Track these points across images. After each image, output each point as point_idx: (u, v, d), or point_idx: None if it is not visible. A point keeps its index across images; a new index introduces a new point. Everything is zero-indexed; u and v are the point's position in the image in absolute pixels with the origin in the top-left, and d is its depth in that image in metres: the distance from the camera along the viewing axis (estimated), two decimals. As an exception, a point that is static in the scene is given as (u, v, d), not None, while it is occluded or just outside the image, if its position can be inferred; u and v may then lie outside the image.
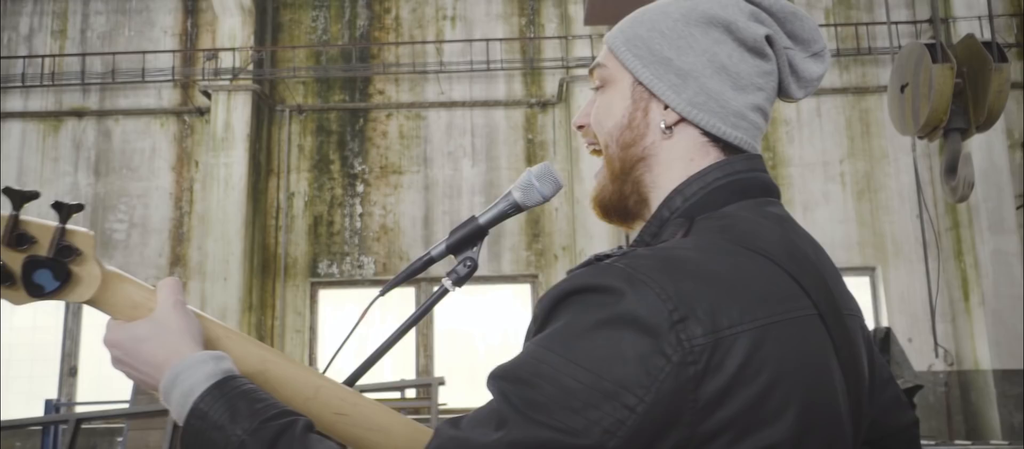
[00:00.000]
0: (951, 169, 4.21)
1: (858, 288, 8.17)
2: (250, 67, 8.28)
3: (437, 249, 1.00)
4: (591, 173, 7.08)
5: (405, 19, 8.77)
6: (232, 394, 0.78)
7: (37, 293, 0.83)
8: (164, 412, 7.21)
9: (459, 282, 0.99)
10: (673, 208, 0.83)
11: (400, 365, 8.18)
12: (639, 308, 0.68)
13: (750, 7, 0.86)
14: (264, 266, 8.30)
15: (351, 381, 0.97)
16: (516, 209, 0.98)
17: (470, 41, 8.53)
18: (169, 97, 8.67)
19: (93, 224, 8.38)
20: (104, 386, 8.09)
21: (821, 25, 8.31)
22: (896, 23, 8.19)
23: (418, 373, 8.16)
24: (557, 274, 8.16)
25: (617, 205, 0.90)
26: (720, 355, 0.67)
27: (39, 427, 7.48)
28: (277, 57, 8.73)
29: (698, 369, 0.66)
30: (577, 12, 8.25)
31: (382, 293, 1.02)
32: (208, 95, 8.30)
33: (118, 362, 0.86)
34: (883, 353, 3.89)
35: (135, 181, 8.51)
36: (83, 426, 7.47)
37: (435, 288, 1.02)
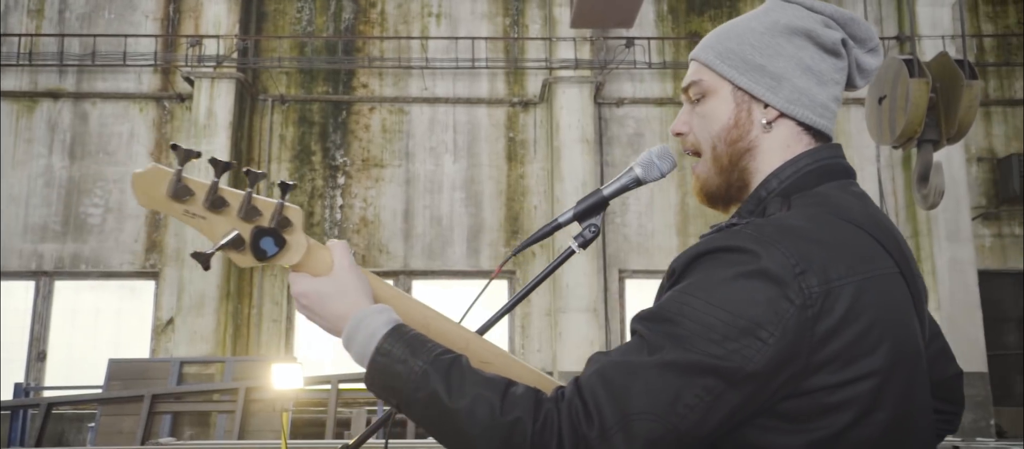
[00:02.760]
0: (923, 178, 4.49)
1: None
2: (234, 55, 8.26)
3: (565, 216, 1.14)
4: (569, 174, 7.26)
5: (390, 14, 8.85)
6: (407, 336, 0.92)
7: (261, 257, 0.97)
8: (138, 398, 7.18)
9: (585, 245, 1.13)
10: (769, 189, 0.99)
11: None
12: (769, 263, 0.84)
13: (821, 17, 1.03)
14: (243, 255, 8.29)
15: (481, 332, 1.11)
16: (636, 183, 1.13)
17: (455, 38, 8.65)
18: (149, 82, 8.60)
19: (66, 208, 8.27)
20: (74, 371, 7.99)
21: (794, 38, 8.64)
22: (865, 39, 8.56)
23: (395, 365, 8.24)
24: (536, 270, 8.33)
25: (723, 193, 1.06)
26: (831, 301, 0.84)
27: (7, 411, 7.36)
28: (261, 46, 8.73)
29: (814, 311, 0.83)
30: (561, 14, 8.43)
31: (513, 254, 1.16)
32: (190, 82, 8.26)
33: (303, 309, 1.00)
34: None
35: (111, 165, 8.41)
36: (54, 411, 7.40)
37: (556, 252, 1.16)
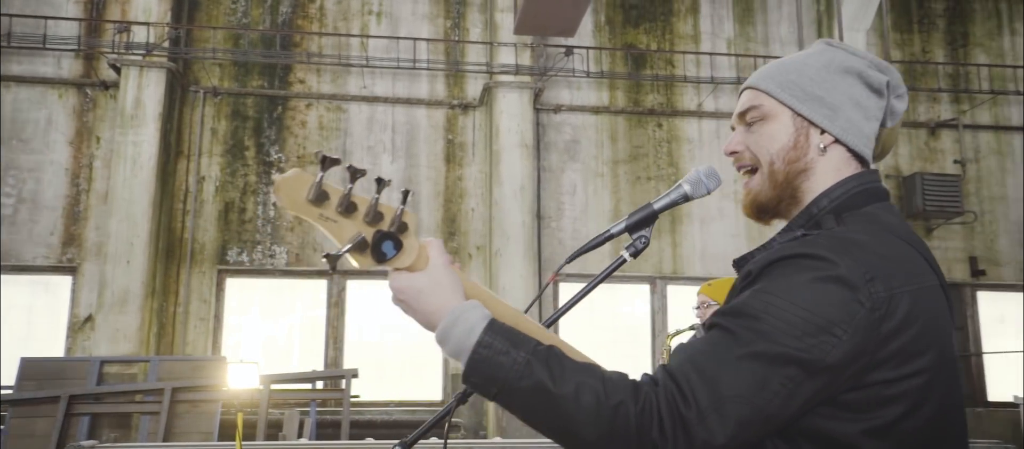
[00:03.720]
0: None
1: (745, 297, 8.94)
2: (165, 44, 7.98)
3: (617, 227, 1.23)
4: (508, 178, 7.37)
5: (330, 10, 8.74)
6: (504, 330, 1.00)
7: (381, 259, 1.04)
8: (54, 399, 6.83)
9: (636, 254, 1.23)
10: (820, 207, 1.12)
11: (309, 357, 8.14)
12: (844, 270, 0.96)
13: (866, 60, 1.17)
14: (169, 251, 8.01)
15: (547, 325, 1.19)
16: (685, 199, 1.24)
17: (396, 38, 8.62)
18: (70, 67, 8.19)
19: (-25, 196, 7.77)
20: (-19, 371, 7.52)
21: (722, 55, 9.04)
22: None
23: (327, 365, 8.14)
24: (472, 272, 8.40)
25: (773, 206, 1.18)
26: (893, 306, 0.97)
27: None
28: (194, 36, 8.45)
29: (880, 314, 0.96)
30: (503, 20, 8.54)
31: (568, 261, 1.24)
32: (117, 69, 7.92)
33: (399, 302, 1.08)
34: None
35: (26, 154, 7.97)
36: (-41, 413, 6.93)
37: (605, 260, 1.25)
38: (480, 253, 8.45)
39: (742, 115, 1.21)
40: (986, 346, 8.81)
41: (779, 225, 1.21)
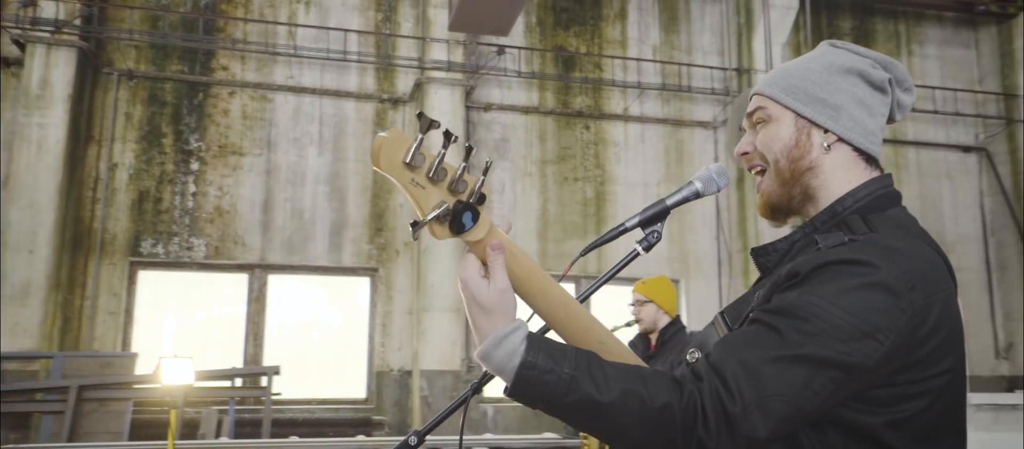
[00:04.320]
0: (774, 198, 5.08)
1: (665, 297, 9.23)
2: (77, 21, 7.52)
3: (631, 222, 1.26)
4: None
5: (256, -4, 8.46)
6: (544, 346, 1.03)
7: (459, 230, 1.02)
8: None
9: (648, 248, 1.26)
10: (845, 206, 1.17)
11: (227, 354, 7.85)
12: (888, 277, 1.01)
13: (869, 59, 1.24)
14: (77, 241, 7.56)
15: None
16: (696, 196, 1.28)
17: (325, 28, 8.44)
18: (-33, 41, 7.60)
19: None
20: None
21: (648, 61, 9.30)
22: (711, 67, 9.41)
23: (246, 362, 7.89)
24: (399, 269, 8.32)
25: (786, 205, 1.23)
26: (927, 312, 1.02)
27: None
28: (108, 15, 8.01)
29: (918, 321, 1.01)
30: (435, 15, 8.50)
31: (582, 254, 1.26)
32: (21, 45, 7.41)
33: (464, 293, 1.08)
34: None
35: (-86, 132, 7.35)
36: None
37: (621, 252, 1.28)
38: (408, 249, 8.38)
39: (749, 116, 1.27)
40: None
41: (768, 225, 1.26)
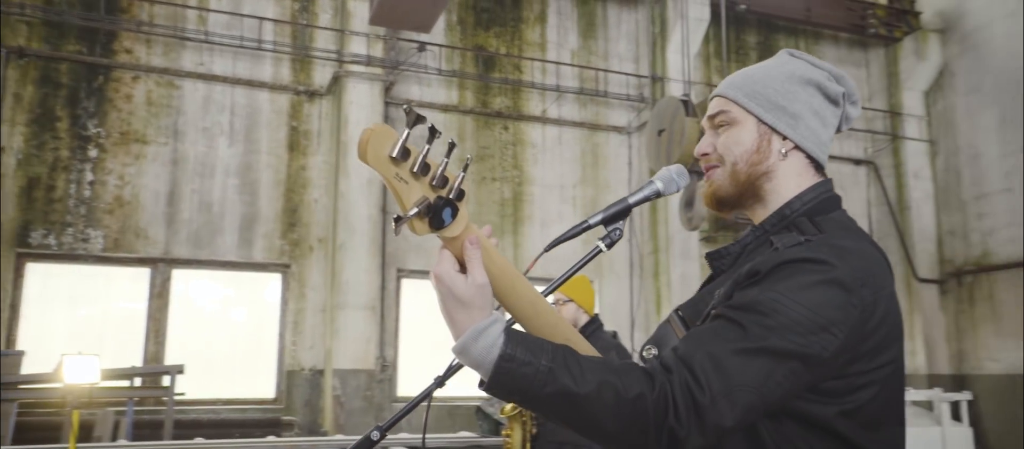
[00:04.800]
0: (689, 203, 5.29)
1: (579, 297, 9.41)
2: (-39, -8, 6.96)
3: (595, 219, 1.28)
4: (355, 171, 7.26)
5: (164, -23, 8.06)
6: (522, 339, 1.04)
7: (438, 226, 1.01)
8: None
9: (611, 245, 1.29)
10: (793, 209, 1.23)
11: (124, 352, 7.44)
12: (842, 275, 1.07)
13: (825, 72, 1.31)
14: (-44, 230, 6.98)
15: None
16: (657, 195, 1.32)
17: (239, 15, 8.14)
18: None
19: None
20: None
21: (567, 64, 9.46)
22: (627, 74, 9.66)
23: (146, 361, 7.50)
24: (312, 265, 8.12)
25: (734, 201, 1.28)
26: (875, 306, 1.09)
27: None
28: (-2, -13, 7.44)
29: (867, 314, 1.08)
30: (355, 8, 8.35)
31: (546, 250, 1.28)
32: None
33: (437, 290, 1.06)
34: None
35: None
36: None
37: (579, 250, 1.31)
38: (322, 245, 8.19)
39: (711, 119, 1.32)
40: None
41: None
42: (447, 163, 1.03)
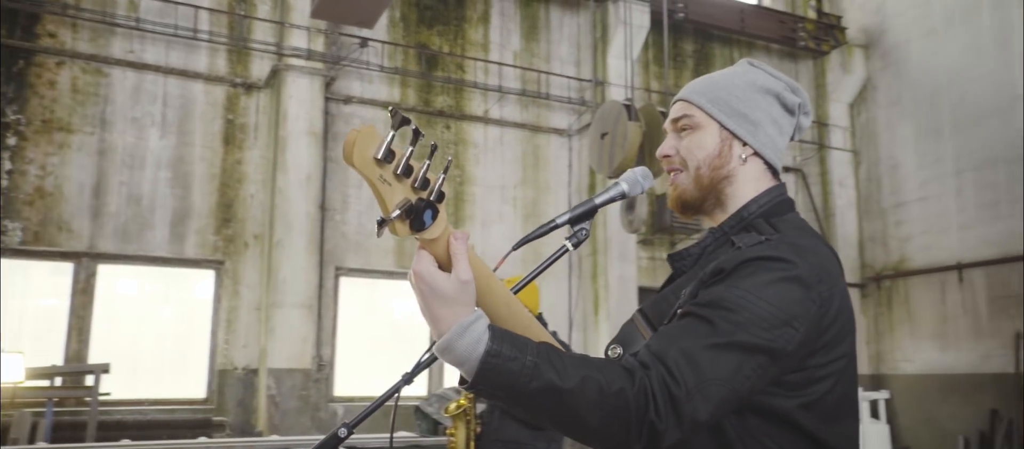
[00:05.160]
0: (630, 207, 5.40)
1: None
2: None
3: (562, 219, 1.30)
4: (294, 166, 7.13)
5: (93, -41, 7.73)
6: (505, 336, 1.04)
7: (419, 228, 1.00)
8: None
9: (577, 245, 1.31)
10: (751, 211, 1.28)
11: (44, 350, 7.11)
12: (802, 272, 1.12)
13: (783, 83, 1.37)
14: None
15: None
16: (622, 196, 1.34)
17: (173, 2, 7.87)
18: None
19: None
20: None
21: (509, 66, 9.50)
22: (569, 77, 9.77)
23: (68, 359, 7.18)
24: (248, 262, 7.93)
25: (697, 204, 1.33)
26: (830, 302, 1.15)
27: None
28: (-91, -38, 6.99)
29: (824, 309, 1.13)
30: (296, 1, 8.19)
31: (514, 249, 1.29)
32: None
33: (418, 291, 1.05)
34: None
35: None
36: None
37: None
38: (258, 242, 8.00)
39: (675, 122, 1.36)
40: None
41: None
42: (429, 165, 1.03)
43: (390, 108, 1.00)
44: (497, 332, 1.04)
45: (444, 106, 9.17)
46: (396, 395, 1.25)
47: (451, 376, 8.61)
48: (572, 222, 1.32)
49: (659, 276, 10.01)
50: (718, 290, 1.13)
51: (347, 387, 8.15)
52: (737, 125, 1.32)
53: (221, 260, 7.87)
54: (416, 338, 8.69)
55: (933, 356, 9.74)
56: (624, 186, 1.35)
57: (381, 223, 1.00)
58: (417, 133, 1.00)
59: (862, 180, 11.14)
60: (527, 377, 1.02)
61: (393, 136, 1.00)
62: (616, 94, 9.44)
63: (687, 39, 10.90)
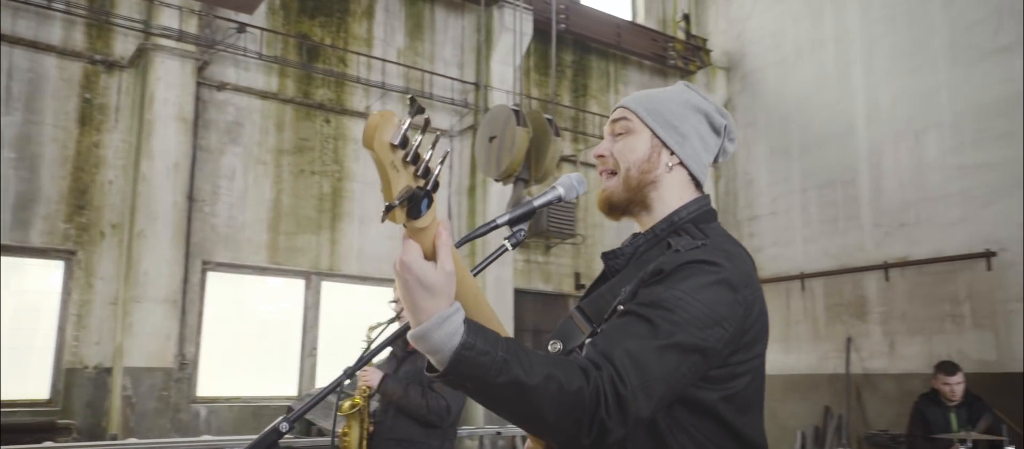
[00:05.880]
0: (514, 207, 5.50)
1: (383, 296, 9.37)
2: None
3: (502, 219, 1.34)
4: (160, 152, 6.78)
5: (-71, -90, 6.92)
6: (478, 330, 1.07)
7: (415, 216, 0.99)
8: None
9: (516, 245, 1.37)
10: (681, 217, 1.39)
11: None
12: (731, 276, 1.23)
13: (713, 105, 1.49)
14: None
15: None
16: (558, 199, 1.41)
17: (25, -33, 7.19)
18: None
19: None
20: None
21: (393, 63, 9.42)
22: (452, 78, 9.81)
23: None
24: (103, 253, 7.37)
25: (623, 206, 1.43)
26: (752, 305, 1.26)
27: None
28: None
29: (748, 311, 1.24)
30: (168, -22, 7.72)
31: (457, 246, 1.32)
32: None
33: (403, 281, 1.05)
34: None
35: None
36: None
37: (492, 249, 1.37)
38: (116, 232, 7.46)
39: (613, 124, 1.45)
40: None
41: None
42: (432, 154, 1.05)
43: (409, 95, 1.00)
44: (472, 326, 1.07)
45: (324, 99, 8.95)
46: (339, 387, 1.26)
47: (324, 377, 8.41)
48: (511, 223, 1.37)
49: (534, 279, 10.26)
50: (658, 291, 1.22)
51: (212, 387, 7.76)
52: (667, 135, 1.43)
53: (72, 250, 7.27)
54: (287, 338, 8.41)
55: (778, 358, 10.59)
56: (561, 190, 1.42)
57: (388, 208, 1.01)
58: (427, 122, 1.02)
59: (721, 193, 11.95)
60: (495, 371, 1.06)
61: (410, 123, 1.01)
62: (499, 99, 9.59)
63: (567, 50, 11.24)
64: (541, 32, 9.95)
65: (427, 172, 1.04)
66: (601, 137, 11.13)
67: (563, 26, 10.39)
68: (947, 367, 5.73)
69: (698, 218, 1.41)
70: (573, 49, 11.31)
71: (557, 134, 5.57)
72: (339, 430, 3.30)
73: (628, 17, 12.12)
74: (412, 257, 1.06)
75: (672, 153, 1.43)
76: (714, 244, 1.31)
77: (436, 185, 1.06)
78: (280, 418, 1.23)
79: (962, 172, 9.38)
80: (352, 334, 9.08)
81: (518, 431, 7.84)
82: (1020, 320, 8.76)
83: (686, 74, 12.20)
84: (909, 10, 10.18)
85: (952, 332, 9.25)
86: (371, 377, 3.48)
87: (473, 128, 9.62)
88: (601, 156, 1.46)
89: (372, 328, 4.07)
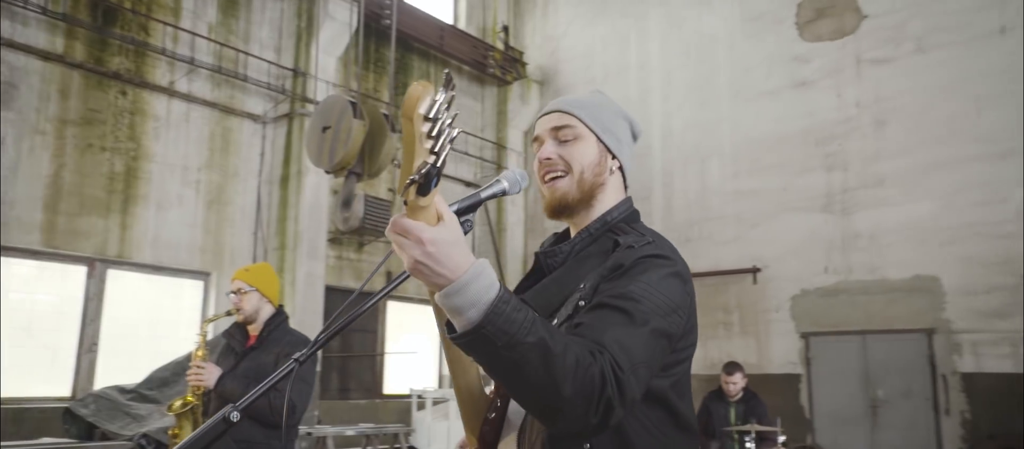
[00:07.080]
0: (347, 203, 5.35)
1: (193, 290, 8.67)
2: None
3: (451, 208, 1.35)
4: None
5: None
6: (508, 291, 1.09)
7: (425, 192, 0.95)
8: None
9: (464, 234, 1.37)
10: (614, 216, 1.46)
11: None
12: (680, 269, 1.33)
13: (630, 116, 1.59)
14: None
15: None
16: (503, 194, 1.42)
17: None
18: None
19: None
20: None
21: (203, 38, 8.73)
22: (269, 62, 9.30)
23: None
24: None
25: (573, 207, 1.47)
26: (693, 295, 1.36)
27: None
28: None
29: (691, 300, 1.35)
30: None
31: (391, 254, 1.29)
32: None
33: (428, 256, 1.02)
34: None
35: None
36: None
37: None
38: None
39: (556, 130, 1.49)
40: (389, 347, 10.50)
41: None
42: (448, 133, 1.02)
43: (446, 72, 0.98)
44: (502, 287, 1.09)
45: (121, 68, 8.07)
46: (292, 375, 1.19)
47: (105, 376, 7.56)
48: (458, 214, 1.37)
49: (345, 276, 9.99)
50: (623, 284, 1.29)
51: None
52: (609, 140, 1.51)
53: None
54: (65, 326, 7.47)
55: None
56: (505, 184, 1.43)
57: (411, 183, 0.98)
58: (453, 99, 1.00)
59: (530, 201, 12.46)
60: (526, 330, 1.06)
61: (445, 98, 0.98)
62: (319, 88, 9.25)
63: (387, 47, 11.11)
64: (365, 25, 9.75)
65: (443, 147, 1.03)
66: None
67: (388, 22, 10.26)
68: (728, 367, 6.48)
69: (627, 218, 1.51)
70: (396, 46, 11.21)
71: (393, 130, 5.49)
72: (169, 431, 3.01)
73: (450, 21, 12.25)
74: (428, 233, 1.04)
75: (614, 157, 1.52)
76: (658, 241, 1.41)
77: (444, 163, 1.05)
78: (228, 406, 1.14)
79: (737, 197, 10.63)
80: (143, 329, 8.27)
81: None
82: (777, 328, 10.11)
83: (503, 84, 12.59)
84: (700, 48, 11.36)
85: (723, 337, 10.43)
86: (207, 375, 3.22)
87: (288, 116, 9.19)
88: (548, 159, 1.50)
89: (207, 321, 3.77)
